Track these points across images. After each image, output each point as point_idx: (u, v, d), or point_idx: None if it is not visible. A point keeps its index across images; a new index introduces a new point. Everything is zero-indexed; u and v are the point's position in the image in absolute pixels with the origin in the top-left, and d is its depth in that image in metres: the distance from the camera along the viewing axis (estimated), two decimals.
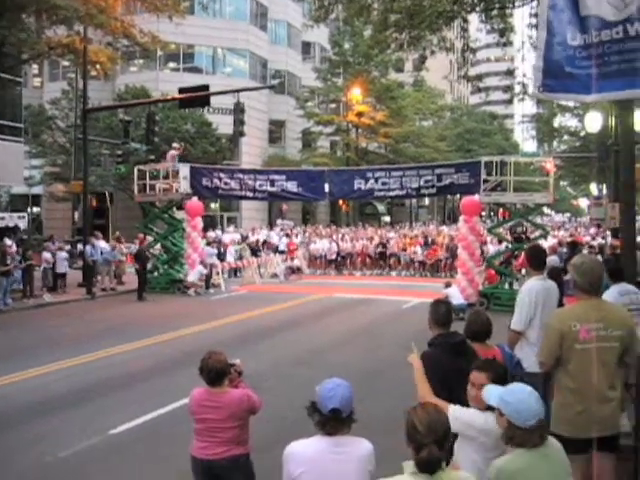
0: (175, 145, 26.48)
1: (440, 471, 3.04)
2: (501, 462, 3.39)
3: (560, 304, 6.74)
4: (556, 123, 53.81)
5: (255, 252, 31.21)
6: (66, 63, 38.77)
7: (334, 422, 3.67)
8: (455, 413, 3.98)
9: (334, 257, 31.50)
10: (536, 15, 20.28)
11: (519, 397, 3.38)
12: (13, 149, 27.08)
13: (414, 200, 62.74)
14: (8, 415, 9.42)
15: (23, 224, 38.46)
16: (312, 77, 55.26)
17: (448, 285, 18.64)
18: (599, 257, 14.67)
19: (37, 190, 46.66)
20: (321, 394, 3.71)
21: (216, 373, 4.98)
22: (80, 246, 24.33)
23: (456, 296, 17.70)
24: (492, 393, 3.54)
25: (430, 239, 32.49)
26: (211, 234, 31.98)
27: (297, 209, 55.59)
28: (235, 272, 29.58)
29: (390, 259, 31.30)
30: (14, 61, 24.87)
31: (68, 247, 23.82)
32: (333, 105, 58.19)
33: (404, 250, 31.13)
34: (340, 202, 50.24)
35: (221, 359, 5.03)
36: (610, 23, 5.02)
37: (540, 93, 5.39)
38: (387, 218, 65.49)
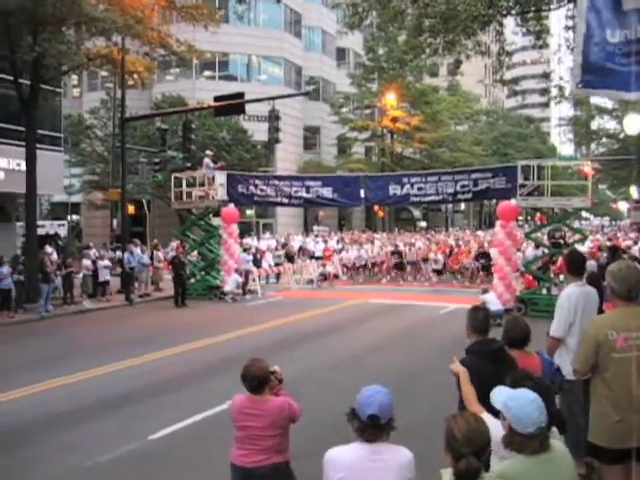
0: (209, 152, 26.69)
1: None
2: (501, 467, 3.37)
3: (600, 310, 6.65)
4: (594, 125, 53.12)
5: (291, 258, 31.32)
6: (104, 73, 39.44)
7: (373, 429, 3.69)
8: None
9: (363, 264, 30.93)
10: (572, 17, 20.11)
11: (520, 403, 3.36)
12: (53, 158, 27.64)
13: (450, 205, 62.33)
14: (47, 421, 9.56)
15: (63, 232, 39.19)
16: (346, 83, 55.33)
17: (485, 291, 18.49)
18: (637, 263, 14.41)
19: (76, 198, 47.49)
20: (360, 400, 3.74)
21: (258, 381, 4.95)
22: (119, 253, 24.65)
23: (493, 302, 17.53)
24: (498, 396, 3.52)
25: (456, 245, 31.74)
26: (247, 240, 32.19)
27: (333, 215, 55.63)
28: (268, 278, 29.66)
29: (408, 267, 30.01)
30: (54, 72, 25.35)
31: (111, 254, 24.06)
32: (368, 111, 58.22)
33: (425, 260, 29.67)
34: (376, 208, 50.12)
35: (263, 366, 5.01)
36: None
37: (579, 89, 5.31)
38: (423, 223, 65.19)
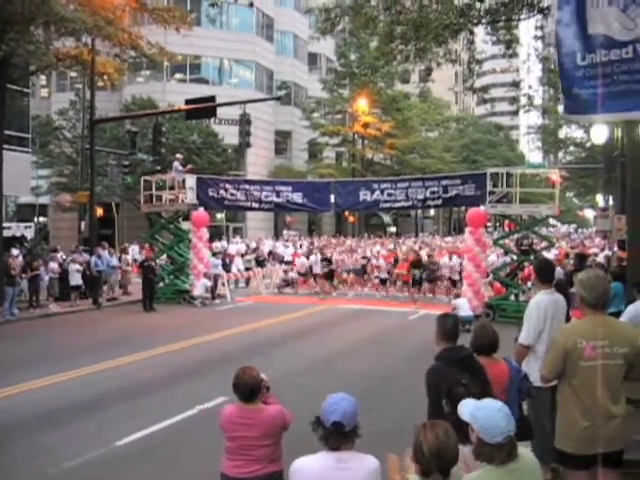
0: (179, 156, 26.53)
1: None
2: (473, 477, 3.38)
3: (567, 318, 6.73)
4: (562, 134, 53.83)
5: (261, 263, 31.23)
6: (74, 74, 39.03)
7: (337, 436, 3.67)
8: None
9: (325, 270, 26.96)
10: (542, 27, 20.41)
11: (487, 413, 3.36)
12: (20, 159, 27.21)
13: (419, 211, 62.73)
14: (13, 426, 9.40)
15: (30, 234, 38.63)
16: (318, 88, 55.44)
17: (457, 296, 18.70)
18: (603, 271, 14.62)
19: (44, 200, 46.87)
20: (324, 408, 3.73)
21: (251, 389, 4.84)
22: (86, 256, 24.38)
23: (464, 307, 17.73)
24: (465, 408, 3.51)
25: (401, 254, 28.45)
26: (217, 244, 32.02)
27: (303, 220, 55.66)
28: (237, 283, 29.47)
29: (350, 276, 28.05)
30: (22, 72, 25.00)
31: (84, 257, 23.62)
32: (339, 116, 58.35)
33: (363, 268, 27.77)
34: (346, 213, 50.28)
35: (254, 374, 4.88)
36: (620, 42, 5.03)
37: (565, 114, 5.45)
38: (393, 229, 65.50)
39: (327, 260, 26.70)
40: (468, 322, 16.52)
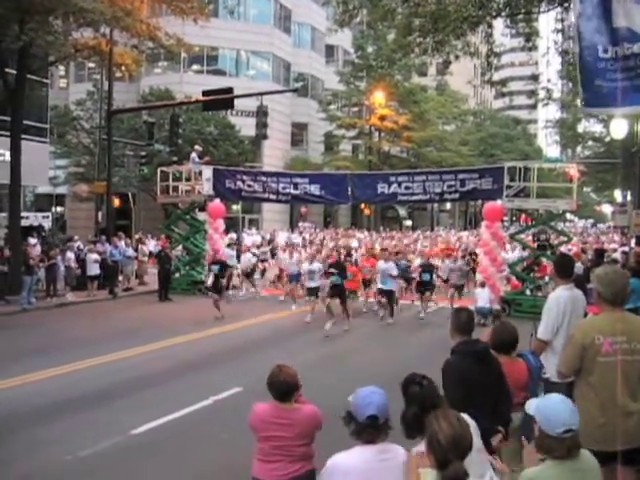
0: (197, 147, 26.57)
1: None
2: (531, 472, 3.40)
3: (584, 313, 6.68)
4: (580, 128, 53.43)
5: (276, 255, 31.21)
6: (92, 65, 39.14)
7: (371, 429, 3.67)
8: None
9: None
10: (562, 20, 20.23)
11: (550, 404, 3.43)
12: (39, 149, 27.46)
13: (435, 205, 62.54)
14: (28, 414, 9.48)
15: (47, 224, 38.88)
16: (335, 80, 55.29)
17: (483, 285, 18.64)
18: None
19: (61, 190, 47.17)
20: (357, 402, 3.72)
21: (288, 388, 4.67)
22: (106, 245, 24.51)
23: (484, 298, 17.69)
24: (532, 404, 3.61)
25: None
26: (232, 235, 32.04)
27: (318, 212, 55.64)
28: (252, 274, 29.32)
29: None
30: (41, 63, 25.17)
31: (105, 247, 23.63)
32: (356, 108, 58.23)
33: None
34: (362, 205, 50.19)
35: (292, 373, 4.72)
36: None
37: (584, 107, 5.40)
38: (409, 222, 65.35)
39: (339, 266, 17.79)
40: (483, 315, 16.52)
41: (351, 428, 3.72)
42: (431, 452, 3.10)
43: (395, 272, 18.20)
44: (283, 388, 4.65)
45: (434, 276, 20.45)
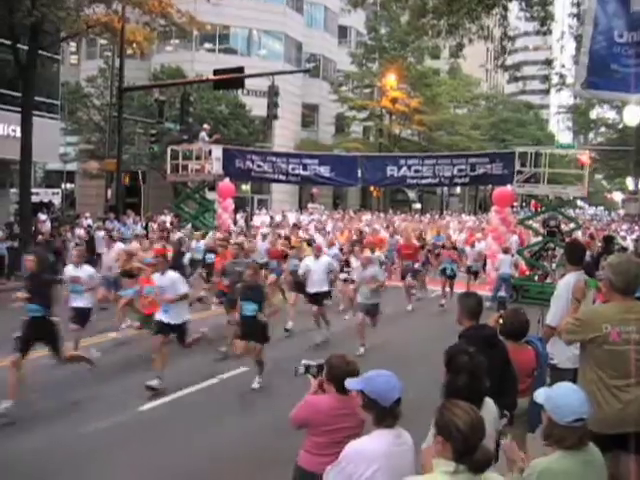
0: (205, 126, 26.52)
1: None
2: (544, 461, 3.37)
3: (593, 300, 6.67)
4: (593, 115, 52.99)
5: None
6: (103, 42, 39.09)
7: (395, 413, 3.66)
8: None
9: None
10: (578, 4, 20.00)
11: (561, 392, 3.40)
12: (49, 126, 27.42)
13: (445, 189, 62.34)
14: (44, 384, 9.60)
15: (57, 200, 39.02)
16: (347, 62, 54.98)
17: (506, 251, 18.61)
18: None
19: (71, 167, 47.21)
20: (379, 387, 3.67)
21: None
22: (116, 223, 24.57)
23: (506, 263, 17.74)
24: (541, 392, 3.57)
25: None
26: (239, 216, 32.05)
27: (328, 194, 55.53)
28: None
29: None
30: (53, 39, 25.10)
31: (114, 224, 23.49)
32: (367, 90, 57.89)
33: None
34: (371, 188, 50.08)
35: (349, 361, 4.59)
36: None
37: (584, 90, 5.32)
38: (418, 205, 65.20)
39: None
40: (505, 280, 16.59)
41: (373, 415, 3.67)
42: (449, 442, 3.05)
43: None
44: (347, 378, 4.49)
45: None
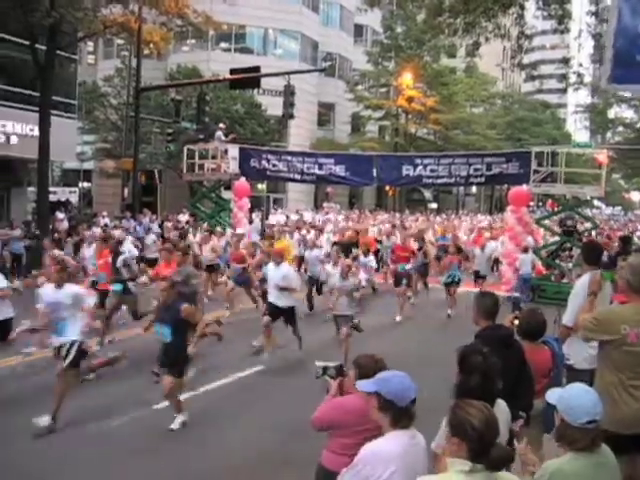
0: (221, 125, 26.61)
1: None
2: (556, 463, 3.34)
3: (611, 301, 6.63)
4: (611, 114, 52.59)
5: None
6: (120, 41, 39.27)
7: (410, 414, 3.66)
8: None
9: None
10: (596, 2, 19.86)
11: (574, 393, 3.36)
12: (67, 125, 27.65)
13: (461, 188, 62.12)
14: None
15: (74, 199, 39.32)
16: (363, 60, 54.90)
17: (525, 250, 18.45)
18: None
19: (88, 166, 47.51)
20: (396, 388, 3.65)
21: None
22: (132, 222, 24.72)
23: (526, 263, 17.56)
24: (554, 392, 3.53)
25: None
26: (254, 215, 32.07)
27: (344, 193, 55.52)
28: None
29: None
30: (70, 39, 25.30)
31: (128, 223, 23.49)
32: (383, 89, 57.78)
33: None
34: (387, 187, 50.01)
35: (378, 359, 4.52)
36: None
37: (609, 84, 5.28)
38: (434, 205, 65.01)
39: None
40: (526, 282, 16.22)
41: (389, 416, 3.65)
42: (464, 441, 3.05)
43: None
44: None
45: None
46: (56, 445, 7.64)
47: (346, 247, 18.58)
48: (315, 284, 17.26)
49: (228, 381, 10.36)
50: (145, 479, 7.01)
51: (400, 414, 3.63)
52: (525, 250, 18.64)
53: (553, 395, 3.50)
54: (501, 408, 4.08)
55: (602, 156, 23.10)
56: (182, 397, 8.56)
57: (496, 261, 22.10)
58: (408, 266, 17.50)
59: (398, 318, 16.28)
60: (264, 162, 24.34)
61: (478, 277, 18.95)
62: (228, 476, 7.11)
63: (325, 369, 4.80)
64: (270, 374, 10.74)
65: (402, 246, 18.40)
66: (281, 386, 10.11)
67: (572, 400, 3.32)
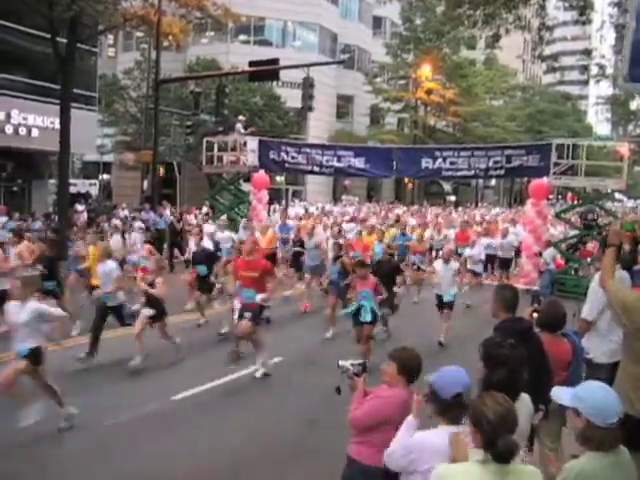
0: (241, 117, 26.65)
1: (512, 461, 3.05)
2: (578, 464, 3.25)
3: None
4: (633, 106, 52.01)
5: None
6: (140, 34, 39.39)
7: (457, 409, 3.68)
8: None
9: None
10: None
11: (597, 394, 3.20)
12: (87, 118, 27.84)
13: (481, 181, 61.82)
14: (73, 378, 9.80)
15: (94, 191, 39.61)
16: (382, 53, 54.73)
17: (548, 244, 18.39)
18: None
19: (108, 158, 47.81)
20: (443, 381, 3.74)
21: (419, 370, 4.54)
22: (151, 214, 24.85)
23: (549, 257, 17.50)
24: (563, 393, 3.36)
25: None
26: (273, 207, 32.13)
27: (362, 185, 55.47)
28: None
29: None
30: (91, 32, 25.42)
31: (147, 215, 23.49)
32: (402, 81, 57.60)
33: None
34: (406, 179, 49.88)
35: (415, 352, 4.62)
36: None
37: (626, 83, 5.24)
38: (453, 198, 64.77)
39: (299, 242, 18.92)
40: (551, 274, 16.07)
41: (435, 407, 3.73)
42: (478, 431, 3.11)
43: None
44: (419, 370, 4.55)
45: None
46: (50, 443, 7.74)
47: None
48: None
49: (247, 372, 10.42)
50: (163, 463, 7.08)
51: (444, 407, 3.71)
52: (548, 244, 18.58)
53: (564, 396, 3.31)
54: (525, 402, 4.08)
55: (624, 149, 22.87)
56: (203, 387, 8.60)
57: (493, 259, 21.53)
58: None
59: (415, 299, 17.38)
60: (283, 154, 24.34)
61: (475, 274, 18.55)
62: (245, 465, 7.16)
63: (349, 367, 4.80)
64: (288, 365, 10.80)
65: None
66: (301, 376, 10.15)
67: (599, 401, 3.16)
